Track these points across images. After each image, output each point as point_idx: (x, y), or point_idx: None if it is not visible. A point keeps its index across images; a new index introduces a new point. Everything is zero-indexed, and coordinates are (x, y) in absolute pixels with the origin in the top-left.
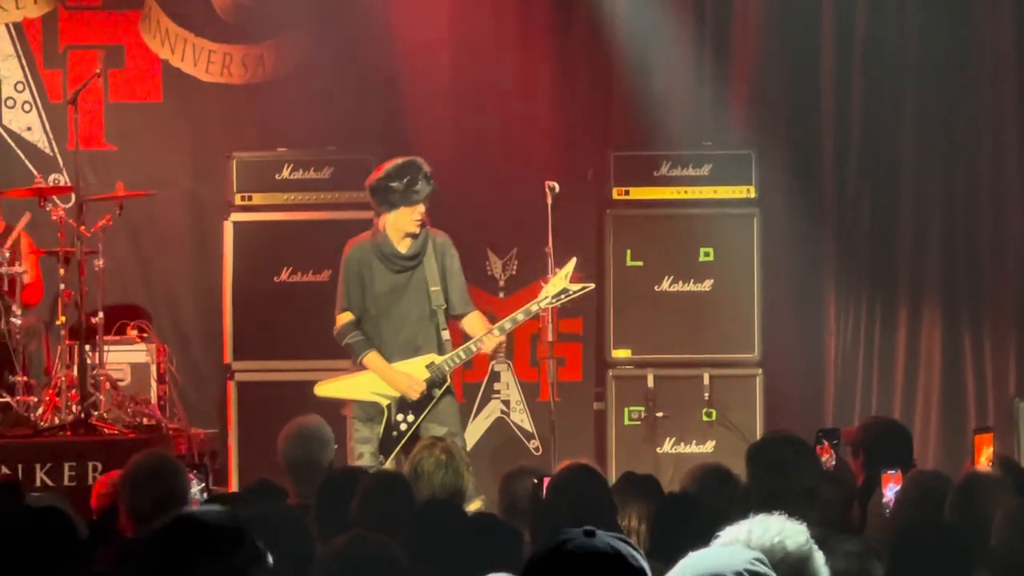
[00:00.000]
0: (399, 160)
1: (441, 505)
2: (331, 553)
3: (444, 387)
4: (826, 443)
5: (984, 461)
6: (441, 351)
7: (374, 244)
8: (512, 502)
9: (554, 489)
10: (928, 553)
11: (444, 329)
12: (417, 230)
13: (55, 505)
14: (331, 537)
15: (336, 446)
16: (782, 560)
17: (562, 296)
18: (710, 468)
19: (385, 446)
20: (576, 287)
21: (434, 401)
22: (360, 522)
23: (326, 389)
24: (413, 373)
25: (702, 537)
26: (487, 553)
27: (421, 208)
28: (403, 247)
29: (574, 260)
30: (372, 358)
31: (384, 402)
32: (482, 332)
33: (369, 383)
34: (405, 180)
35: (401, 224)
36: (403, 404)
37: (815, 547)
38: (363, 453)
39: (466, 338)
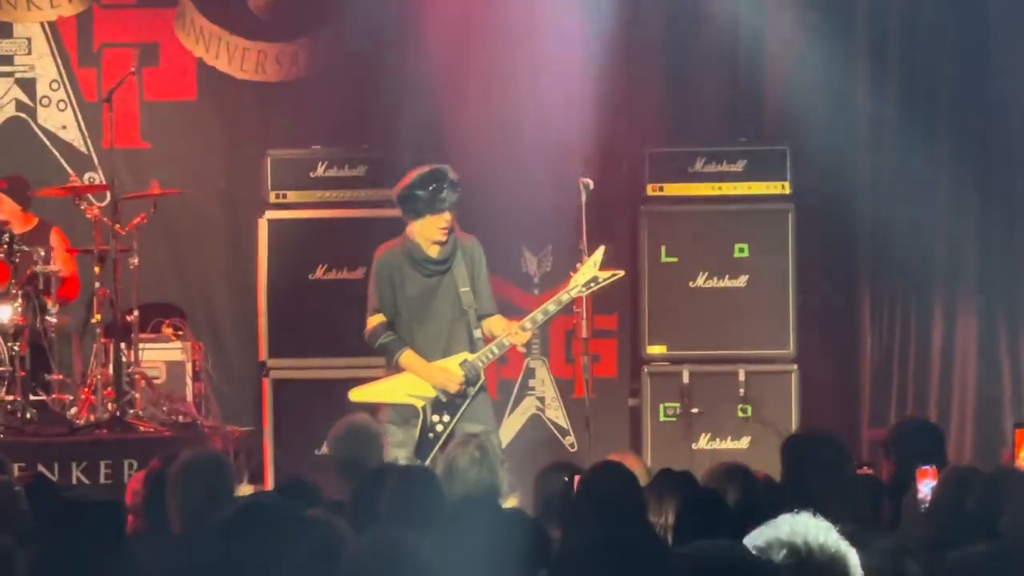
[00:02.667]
0: (425, 169)
1: (476, 502)
2: (353, 554)
3: (478, 385)
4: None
5: None
6: (473, 350)
7: (404, 250)
8: (546, 499)
9: (584, 487)
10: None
11: (476, 328)
12: (444, 238)
13: (104, 498)
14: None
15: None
16: (815, 557)
17: (592, 284)
18: (729, 467)
19: (422, 448)
20: (605, 275)
21: (469, 400)
22: (388, 519)
23: (360, 394)
24: (448, 369)
25: (726, 534)
26: (520, 551)
27: (447, 216)
28: (432, 252)
29: (602, 248)
30: (408, 356)
31: (419, 404)
32: (503, 333)
33: (403, 385)
34: (431, 188)
35: (428, 232)
36: (438, 405)
37: (847, 545)
38: (398, 456)
39: (494, 338)
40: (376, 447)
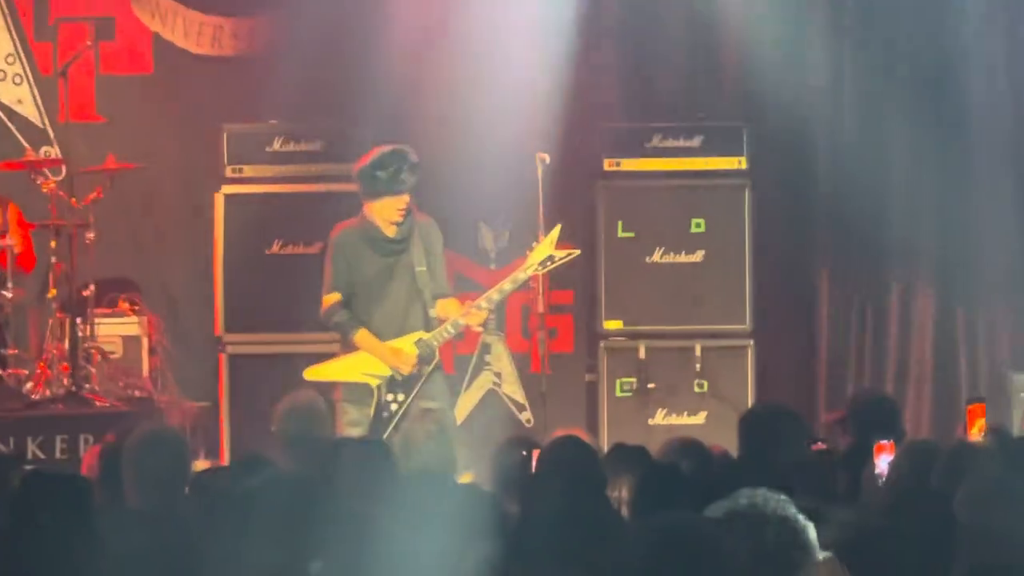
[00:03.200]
0: (385, 149)
1: (432, 477)
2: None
3: (433, 364)
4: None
5: (976, 431)
6: (428, 330)
7: (362, 229)
8: (503, 473)
9: (544, 461)
10: (920, 521)
11: (431, 308)
12: (402, 219)
13: (74, 472)
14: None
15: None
16: (773, 530)
17: (548, 263)
18: (683, 441)
19: (376, 427)
20: (561, 253)
21: (424, 379)
22: (344, 494)
23: (315, 373)
24: (403, 349)
25: (683, 507)
26: (476, 525)
27: (406, 197)
28: (390, 232)
29: (559, 226)
30: (362, 335)
31: (374, 383)
32: (456, 315)
33: (358, 364)
34: (390, 170)
35: (386, 213)
36: (393, 384)
37: (805, 519)
38: (353, 436)
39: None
40: (323, 423)
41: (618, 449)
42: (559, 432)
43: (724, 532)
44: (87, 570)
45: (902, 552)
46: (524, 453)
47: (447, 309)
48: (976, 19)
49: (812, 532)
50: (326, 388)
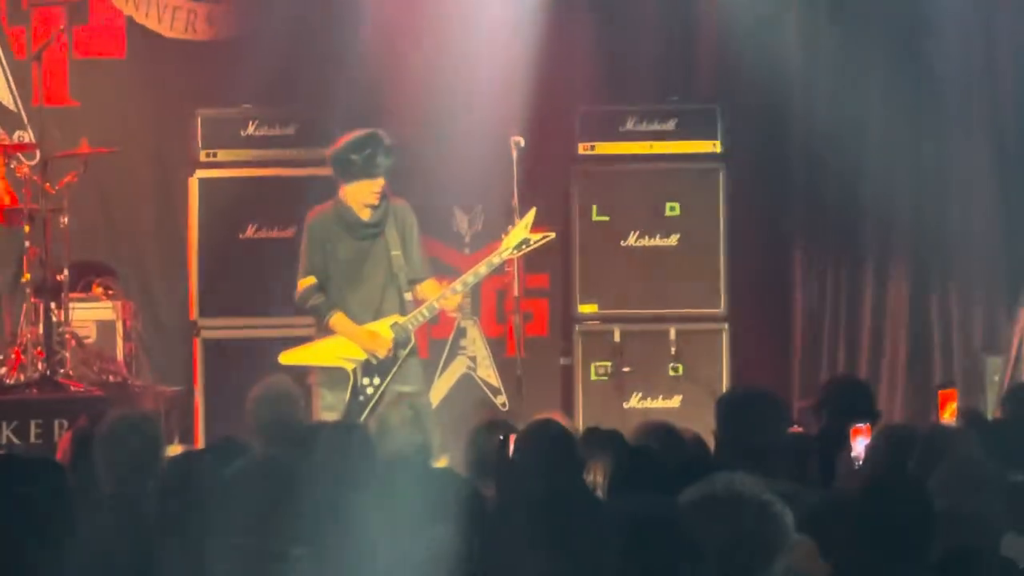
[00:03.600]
0: (360, 132)
1: (408, 461)
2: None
3: (408, 347)
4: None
5: (948, 417)
6: (404, 313)
7: (336, 213)
8: (479, 457)
9: (520, 445)
10: (896, 505)
11: (407, 292)
12: (376, 202)
13: (47, 457)
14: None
15: (304, 403)
16: (750, 514)
17: (523, 246)
18: (656, 425)
19: (352, 411)
20: (536, 237)
21: (399, 363)
22: (321, 478)
23: (291, 357)
24: (378, 332)
25: (658, 491)
26: (450, 509)
27: (381, 181)
28: (364, 216)
29: (533, 210)
30: (338, 319)
31: (349, 367)
32: (435, 297)
33: (334, 348)
34: (365, 153)
35: (361, 196)
36: (368, 368)
37: (782, 503)
38: (329, 419)
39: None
40: (297, 408)
41: (592, 433)
42: (537, 416)
43: (699, 515)
44: (59, 555)
45: (878, 535)
46: (501, 437)
47: (425, 291)
48: None
49: (788, 515)
50: (301, 372)
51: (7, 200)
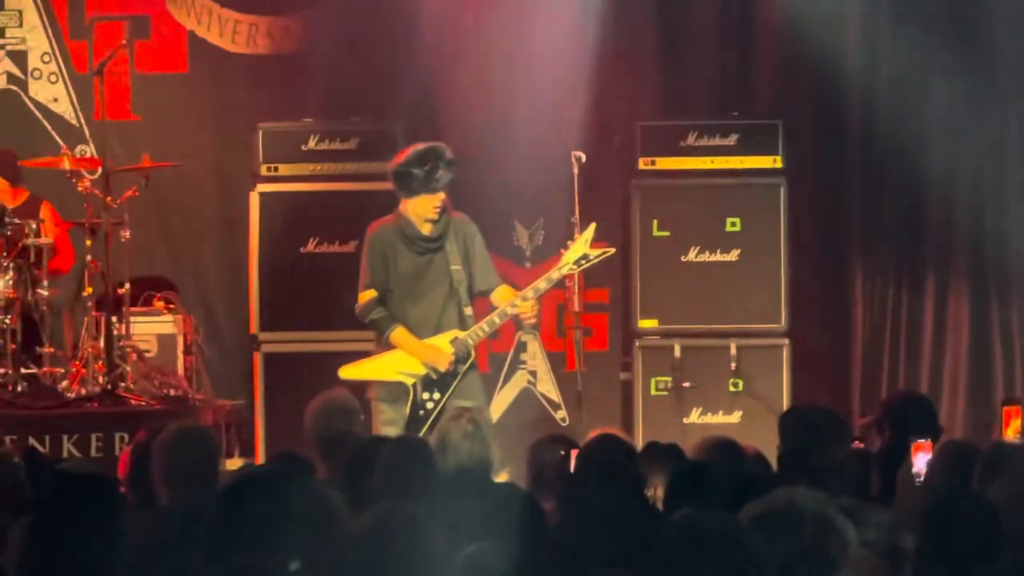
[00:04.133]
0: (421, 146)
1: (469, 475)
2: (360, 527)
3: (468, 362)
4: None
5: (1012, 433)
6: (464, 328)
7: (397, 227)
8: (540, 472)
9: (583, 460)
10: (961, 522)
11: (467, 306)
12: (437, 216)
13: (98, 472)
14: (359, 509)
15: (362, 419)
16: (812, 530)
17: (583, 262)
18: (717, 440)
19: (412, 426)
20: (596, 252)
21: (459, 377)
22: (382, 492)
23: (350, 372)
24: (439, 347)
25: (719, 506)
26: (514, 523)
27: (441, 195)
28: (425, 230)
29: (593, 225)
30: (399, 333)
31: (409, 381)
32: (505, 304)
33: (394, 363)
34: (426, 168)
35: (421, 211)
36: (428, 383)
37: (844, 518)
38: (389, 435)
39: (491, 311)
40: (355, 422)
41: (651, 448)
42: (596, 431)
43: (761, 530)
44: (110, 570)
45: (943, 554)
46: (562, 452)
47: (502, 297)
48: None
49: (851, 531)
50: (361, 387)
51: (59, 247)
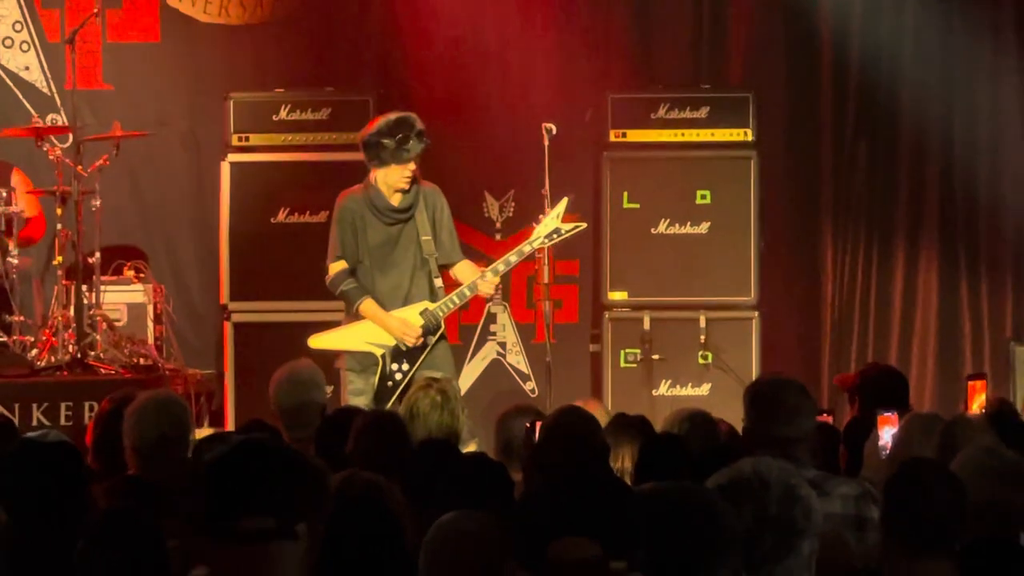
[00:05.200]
0: (392, 116)
1: (436, 445)
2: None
3: (438, 334)
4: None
5: (976, 408)
6: (434, 299)
7: (366, 197)
8: (507, 443)
9: (548, 431)
10: (924, 493)
11: (437, 277)
12: (407, 187)
13: (64, 440)
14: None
15: (331, 388)
16: (776, 499)
17: (554, 236)
18: (689, 412)
19: (380, 396)
20: (568, 226)
21: (428, 349)
22: (354, 462)
23: (320, 341)
24: (408, 319)
25: (687, 477)
26: (481, 494)
27: (412, 166)
28: (395, 200)
29: (566, 199)
30: (368, 305)
31: (378, 352)
32: (472, 278)
33: (363, 333)
34: (397, 138)
35: (391, 180)
36: (397, 353)
37: (809, 488)
38: (357, 405)
39: (458, 285)
40: (319, 393)
41: (619, 419)
42: (576, 403)
43: (726, 499)
44: (74, 538)
45: (904, 524)
46: (528, 424)
47: (461, 273)
48: None
49: (815, 501)
50: (330, 357)
51: (31, 214)
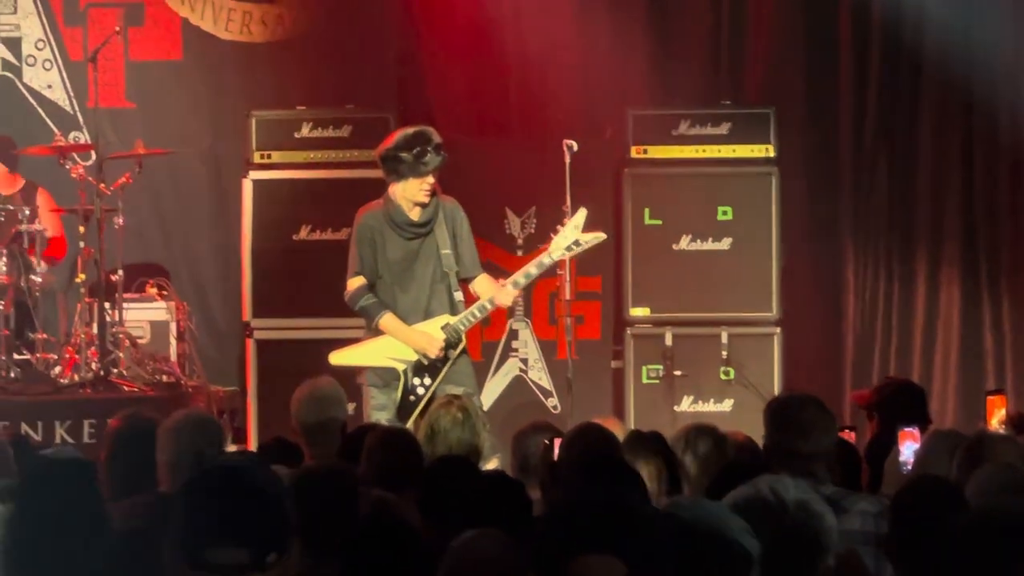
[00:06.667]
0: (409, 130)
1: (454, 462)
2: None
3: (459, 348)
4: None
5: (996, 423)
6: (454, 313)
7: (386, 212)
8: (524, 460)
9: (566, 449)
10: (925, 507)
11: (457, 291)
12: (426, 200)
13: (78, 456)
14: None
15: (354, 405)
16: (792, 516)
17: (574, 247)
18: (699, 428)
19: (403, 411)
20: (588, 237)
21: (450, 363)
22: (368, 480)
23: (341, 357)
24: (429, 332)
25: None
26: (497, 511)
27: (430, 179)
28: (414, 215)
29: (583, 211)
30: (388, 319)
31: (400, 367)
32: (490, 294)
33: (384, 349)
34: (414, 151)
35: (410, 194)
36: (419, 368)
37: (824, 505)
38: (380, 420)
39: (478, 300)
40: (340, 410)
41: (634, 436)
42: (591, 420)
43: (744, 518)
44: (94, 556)
45: (916, 542)
46: (546, 441)
47: (480, 288)
48: None
49: (832, 519)
50: (351, 372)
51: (53, 233)
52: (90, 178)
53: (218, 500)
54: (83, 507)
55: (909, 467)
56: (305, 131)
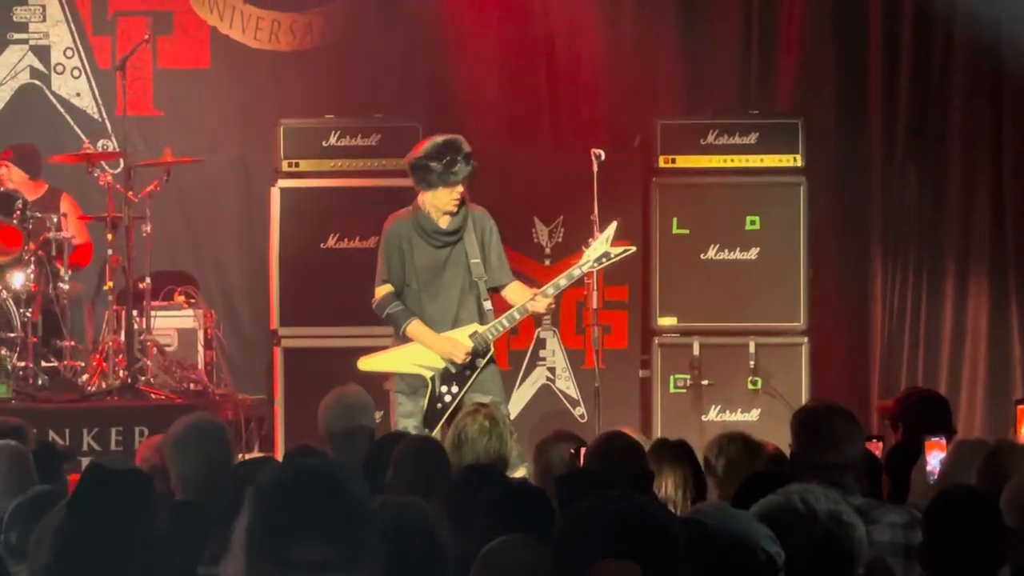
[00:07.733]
0: (439, 139)
1: (479, 470)
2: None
3: (487, 357)
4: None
5: None
6: (483, 322)
7: (415, 220)
8: (547, 468)
9: (591, 458)
10: (961, 519)
11: (486, 300)
12: (455, 209)
13: (135, 467)
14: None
15: (382, 412)
16: (822, 526)
17: (603, 260)
18: (732, 436)
19: (430, 419)
20: (617, 250)
21: (477, 371)
22: (395, 488)
23: (369, 363)
24: (457, 338)
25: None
26: (521, 519)
27: (460, 188)
28: (443, 223)
29: (615, 224)
30: (416, 326)
31: (428, 374)
32: (522, 300)
33: (412, 355)
34: (444, 161)
35: (439, 203)
36: (447, 376)
37: (855, 515)
38: (407, 427)
39: (508, 308)
40: (368, 418)
41: (660, 445)
42: (606, 429)
43: (772, 528)
44: (145, 565)
45: (950, 553)
46: (572, 450)
47: (513, 294)
48: None
49: (862, 530)
50: (379, 379)
51: (80, 241)
52: (118, 186)
53: (308, 499)
54: (138, 523)
55: (935, 477)
56: (333, 140)
